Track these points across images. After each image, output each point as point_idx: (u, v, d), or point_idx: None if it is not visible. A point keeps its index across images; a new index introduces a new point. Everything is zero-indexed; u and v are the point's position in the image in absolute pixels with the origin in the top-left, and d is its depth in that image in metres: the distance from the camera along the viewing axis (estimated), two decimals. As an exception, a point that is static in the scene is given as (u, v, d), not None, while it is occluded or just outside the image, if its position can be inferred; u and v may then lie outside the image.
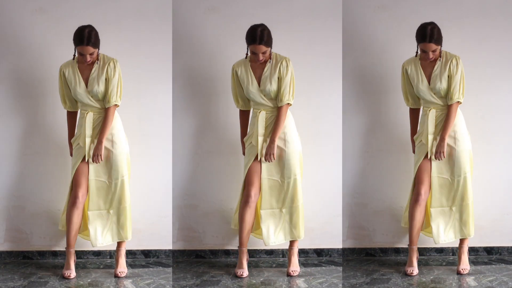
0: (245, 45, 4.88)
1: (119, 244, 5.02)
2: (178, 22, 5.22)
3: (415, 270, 4.95)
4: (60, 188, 5.25)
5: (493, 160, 5.29)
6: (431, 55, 4.85)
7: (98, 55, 4.89)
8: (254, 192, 4.94)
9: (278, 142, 4.93)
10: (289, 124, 4.99)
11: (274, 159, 4.92)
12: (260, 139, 4.95)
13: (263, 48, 4.85)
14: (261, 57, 4.88)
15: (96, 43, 4.82)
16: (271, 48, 4.91)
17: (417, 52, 4.90)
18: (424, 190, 4.92)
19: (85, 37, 4.77)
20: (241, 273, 4.95)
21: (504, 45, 5.24)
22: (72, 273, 4.91)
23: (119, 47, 5.20)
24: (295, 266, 5.02)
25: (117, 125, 4.96)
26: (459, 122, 4.95)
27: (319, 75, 5.30)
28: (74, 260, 4.97)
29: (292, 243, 5.07)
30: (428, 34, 4.78)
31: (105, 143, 4.90)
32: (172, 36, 5.19)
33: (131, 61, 5.22)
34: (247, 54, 4.94)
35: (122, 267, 5.00)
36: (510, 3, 5.24)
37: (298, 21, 5.27)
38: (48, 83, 5.21)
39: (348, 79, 5.27)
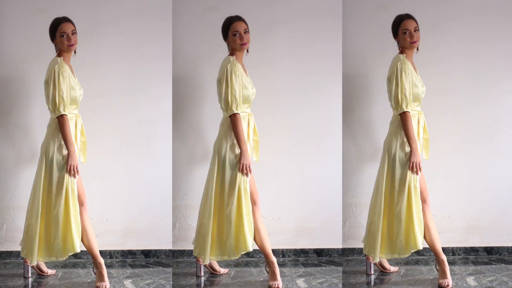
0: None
1: None
2: (178, 22, 5.22)
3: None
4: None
5: (493, 160, 5.29)
6: (415, 35, 4.58)
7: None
8: None
9: None
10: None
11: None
12: None
13: (244, 25, 4.64)
14: (245, 38, 4.63)
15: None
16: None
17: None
18: None
19: (63, 17, 4.59)
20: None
21: (504, 45, 5.24)
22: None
23: (119, 47, 5.22)
24: None
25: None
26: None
27: (319, 75, 5.30)
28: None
29: None
30: (406, 13, 4.59)
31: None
32: (172, 36, 5.19)
33: (131, 61, 5.23)
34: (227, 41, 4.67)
35: None
36: (510, 3, 5.24)
37: (298, 21, 5.28)
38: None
39: (348, 79, 5.27)
